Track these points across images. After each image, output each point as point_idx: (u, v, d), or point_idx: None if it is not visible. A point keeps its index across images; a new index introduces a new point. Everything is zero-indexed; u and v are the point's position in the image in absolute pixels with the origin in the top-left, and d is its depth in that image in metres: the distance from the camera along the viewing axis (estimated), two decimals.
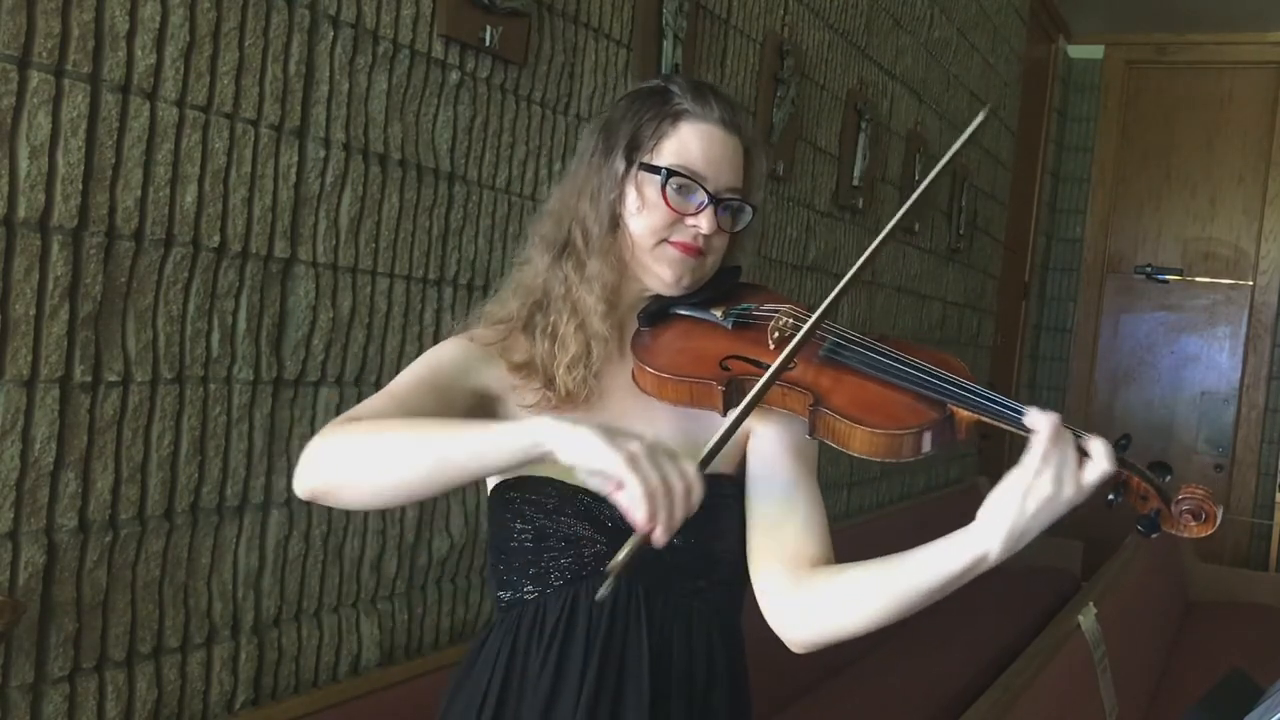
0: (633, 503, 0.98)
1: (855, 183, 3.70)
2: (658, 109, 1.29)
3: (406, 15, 1.86)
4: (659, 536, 0.99)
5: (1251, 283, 5.82)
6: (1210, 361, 5.92)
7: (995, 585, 4.62)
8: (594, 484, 1.03)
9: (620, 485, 0.99)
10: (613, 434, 1.00)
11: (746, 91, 2.98)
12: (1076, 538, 5.29)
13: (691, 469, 1.02)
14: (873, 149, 3.78)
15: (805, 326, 1.19)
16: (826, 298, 1.21)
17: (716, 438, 1.11)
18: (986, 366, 5.49)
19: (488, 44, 1.99)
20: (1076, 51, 6.21)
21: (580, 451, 1.00)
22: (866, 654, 3.36)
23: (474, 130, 2.03)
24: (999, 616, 4.07)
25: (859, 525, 3.79)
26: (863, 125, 3.68)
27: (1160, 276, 5.70)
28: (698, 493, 1.01)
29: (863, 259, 1.24)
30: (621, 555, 1.01)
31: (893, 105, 4.00)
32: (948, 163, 1.26)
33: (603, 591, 1.03)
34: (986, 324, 5.42)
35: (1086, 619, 2.94)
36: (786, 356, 1.16)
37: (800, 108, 3.26)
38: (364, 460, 1.11)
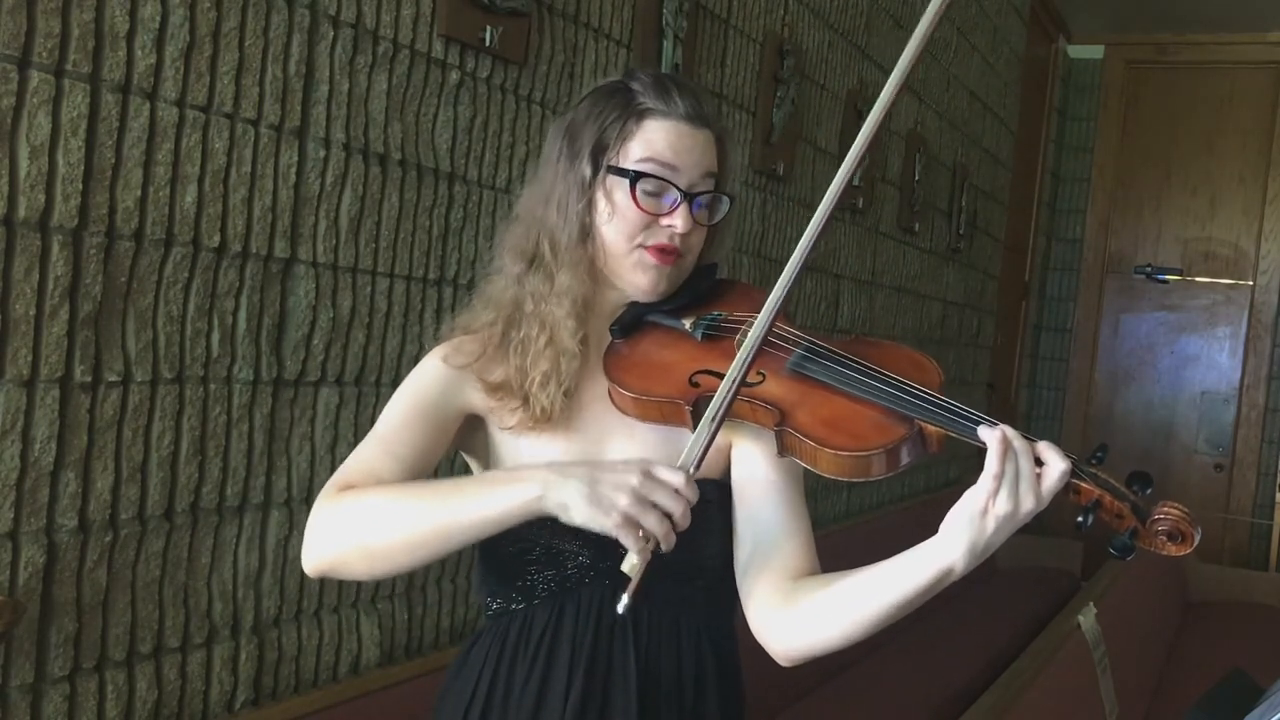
0: (630, 549, 1.05)
1: (855, 182, 3.70)
2: (621, 109, 1.25)
3: (406, 15, 1.86)
4: (664, 549, 1.06)
5: (1251, 283, 5.82)
6: (1210, 361, 5.92)
7: (995, 585, 4.60)
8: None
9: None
10: (598, 493, 1.05)
11: (746, 92, 2.98)
12: (1076, 538, 5.29)
13: (680, 479, 1.06)
14: (873, 149, 3.77)
15: (751, 337, 1.14)
16: (767, 303, 1.15)
17: (703, 443, 1.11)
18: (986, 366, 5.49)
19: (488, 44, 1.99)
20: (1076, 51, 6.21)
21: (575, 516, 1.06)
22: (866, 655, 3.36)
23: (474, 130, 2.03)
24: (999, 616, 4.08)
25: (859, 525, 3.79)
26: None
27: (1160, 276, 5.69)
28: (694, 499, 1.06)
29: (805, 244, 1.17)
30: (634, 581, 1.06)
31: (892, 105, 4.00)
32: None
33: (623, 605, 1.07)
34: (986, 324, 5.42)
35: (1086, 619, 2.94)
36: (736, 378, 1.12)
37: (800, 108, 3.26)
38: (364, 538, 1.14)
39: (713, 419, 1.11)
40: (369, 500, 1.15)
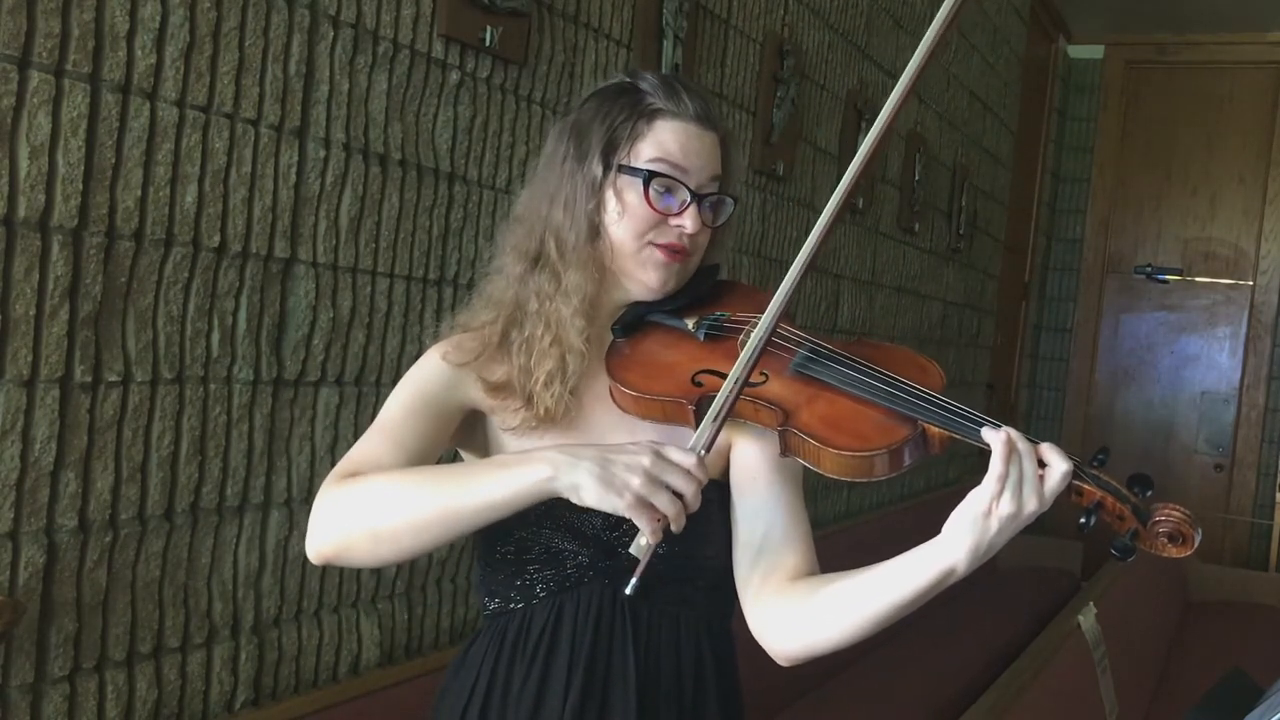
0: (643, 528, 1.07)
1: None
2: (630, 109, 1.25)
3: (406, 15, 1.86)
4: (674, 530, 1.08)
5: (1251, 283, 5.82)
6: (1210, 361, 5.92)
7: (995, 585, 4.60)
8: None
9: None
10: (610, 473, 1.05)
11: (746, 92, 2.98)
12: (1077, 538, 5.29)
13: (691, 460, 1.07)
14: (876, 154, 3.77)
15: (756, 335, 1.15)
16: (773, 301, 1.16)
17: (712, 428, 1.12)
18: (986, 366, 5.49)
19: (488, 44, 1.99)
20: (1076, 51, 6.21)
21: (587, 497, 1.06)
22: (866, 654, 3.36)
23: (474, 130, 2.03)
24: (999, 616, 4.08)
25: (859, 525, 3.79)
26: (863, 125, 3.68)
27: (1160, 276, 5.69)
28: (704, 479, 1.09)
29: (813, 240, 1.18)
30: (642, 562, 1.08)
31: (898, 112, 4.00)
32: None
33: (631, 586, 1.09)
34: (986, 324, 5.42)
35: (1086, 619, 2.94)
36: (741, 374, 1.13)
37: (800, 108, 3.26)
38: (370, 521, 1.12)
39: (725, 396, 1.12)
40: (375, 482, 1.14)
